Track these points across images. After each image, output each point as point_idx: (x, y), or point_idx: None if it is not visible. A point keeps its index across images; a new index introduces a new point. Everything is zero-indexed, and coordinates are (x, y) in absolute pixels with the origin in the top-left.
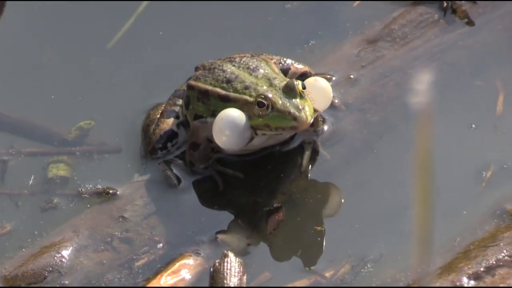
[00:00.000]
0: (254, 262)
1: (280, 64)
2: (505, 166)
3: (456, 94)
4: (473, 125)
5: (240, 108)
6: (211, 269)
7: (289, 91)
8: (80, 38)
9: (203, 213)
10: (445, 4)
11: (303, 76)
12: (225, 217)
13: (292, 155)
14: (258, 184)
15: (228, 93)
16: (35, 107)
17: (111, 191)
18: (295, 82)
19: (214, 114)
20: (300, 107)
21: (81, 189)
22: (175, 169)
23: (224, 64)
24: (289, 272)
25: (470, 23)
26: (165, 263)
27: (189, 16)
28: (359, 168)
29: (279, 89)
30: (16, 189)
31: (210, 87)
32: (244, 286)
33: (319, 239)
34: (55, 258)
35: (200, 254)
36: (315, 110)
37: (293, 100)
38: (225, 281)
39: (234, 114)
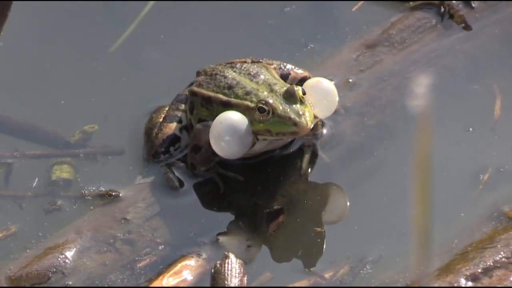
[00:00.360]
0: (254, 263)
1: (280, 70)
2: (501, 170)
3: (454, 98)
4: (471, 129)
5: (241, 113)
6: (212, 270)
7: (290, 97)
8: (82, 42)
9: (204, 215)
10: (442, 9)
11: (303, 81)
12: (226, 219)
13: (292, 158)
14: (258, 186)
15: (229, 99)
16: (39, 110)
17: (113, 193)
18: (295, 88)
19: None
20: (300, 112)
21: (84, 191)
22: (177, 172)
23: (225, 70)
24: (289, 273)
25: (467, 28)
26: (167, 264)
27: (190, 20)
28: (358, 171)
29: (280, 94)
30: (20, 191)
31: (212, 94)
32: (245, 286)
33: (318, 240)
34: (59, 259)
35: (201, 255)
36: (316, 117)
37: (294, 105)
38: (226, 282)
39: (234, 117)
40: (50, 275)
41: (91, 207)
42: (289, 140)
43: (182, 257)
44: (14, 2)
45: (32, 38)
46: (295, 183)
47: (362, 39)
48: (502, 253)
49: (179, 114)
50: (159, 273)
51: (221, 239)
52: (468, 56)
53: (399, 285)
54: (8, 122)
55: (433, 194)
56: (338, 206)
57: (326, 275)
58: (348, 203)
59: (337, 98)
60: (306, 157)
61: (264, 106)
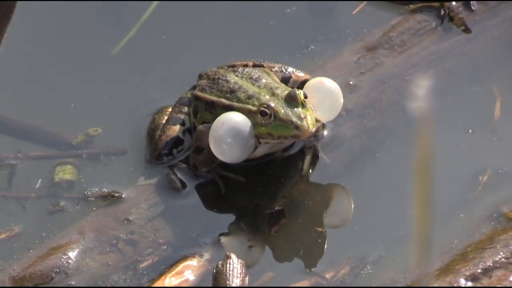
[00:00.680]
0: (256, 264)
1: (281, 73)
2: (500, 171)
3: (454, 100)
4: (470, 130)
5: None
6: (214, 270)
7: (291, 101)
8: (84, 45)
9: (206, 215)
10: (442, 12)
11: (304, 85)
12: (228, 219)
13: (293, 159)
14: (259, 187)
15: (232, 103)
16: (41, 113)
17: (116, 194)
18: (297, 92)
19: None
20: (302, 116)
21: (87, 192)
22: (179, 173)
23: (227, 75)
24: (290, 273)
25: (467, 30)
26: (169, 264)
27: (192, 22)
28: (358, 172)
29: (281, 98)
30: (23, 193)
31: (215, 98)
32: (246, 286)
33: (319, 241)
34: (62, 259)
35: (203, 255)
36: (318, 121)
37: (295, 109)
38: (227, 282)
39: (236, 118)
40: (53, 275)
41: (94, 208)
42: (289, 143)
43: (184, 257)
44: (17, 4)
45: (35, 40)
46: (296, 184)
47: (362, 42)
48: (501, 253)
49: (182, 116)
50: (161, 273)
51: (223, 239)
52: (468, 58)
53: (399, 285)
54: (11, 124)
55: (433, 195)
56: (340, 207)
57: (327, 275)
58: (352, 204)
59: (342, 100)
60: (307, 158)
61: (266, 110)
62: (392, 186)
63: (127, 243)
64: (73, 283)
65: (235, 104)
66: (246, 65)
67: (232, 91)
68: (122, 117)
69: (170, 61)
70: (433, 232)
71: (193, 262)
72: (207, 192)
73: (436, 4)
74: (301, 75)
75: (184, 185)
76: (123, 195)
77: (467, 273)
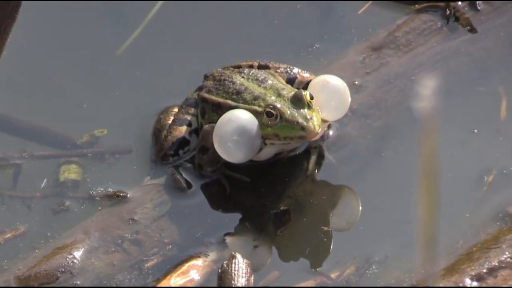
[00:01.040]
0: (261, 264)
1: (287, 73)
2: (505, 171)
3: (459, 100)
4: (476, 130)
5: None
6: (219, 270)
7: (297, 101)
8: (90, 44)
9: (211, 215)
10: (448, 12)
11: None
12: (233, 219)
13: (298, 159)
14: (265, 187)
15: (238, 104)
16: (46, 112)
17: (121, 194)
18: (303, 93)
19: None
20: (308, 117)
21: (92, 192)
22: (184, 173)
23: (233, 76)
24: (295, 273)
25: (473, 30)
26: (174, 264)
27: (197, 21)
28: (364, 172)
29: (288, 99)
30: (28, 192)
31: (221, 100)
32: (252, 286)
33: (325, 241)
34: (67, 259)
35: (208, 255)
36: (325, 121)
37: (301, 110)
38: (232, 282)
39: (243, 116)
40: (59, 275)
41: (99, 208)
42: (294, 146)
43: (190, 257)
44: (22, 4)
45: (40, 40)
46: (301, 184)
47: (368, 42)
48: (507, 253)
49: (188, 117)
50: (167, 273)
51: (228, 239)
52: (473, 58)
53: (404, 285)
54: (16, 124)
55: (439, 195)
56: (346, 207)
57: (332, 275)
58: (360, 206)
59: (349, 98)
60: (313, 158)
61: (272, 111)
62: (397, 186)
63: (132, 242)
64: (78, 282)
65: (241, 105)
66: (251, 66)
67: (238, 93)
68: (127, 117)
69: (175, 60)
70: (438, 232)
71: (198, 261)
72: (212, 192)
73: (441, 4)
74: (306, 75)
75: (189, 185)
76: (128, 195)
77: (473, 273)
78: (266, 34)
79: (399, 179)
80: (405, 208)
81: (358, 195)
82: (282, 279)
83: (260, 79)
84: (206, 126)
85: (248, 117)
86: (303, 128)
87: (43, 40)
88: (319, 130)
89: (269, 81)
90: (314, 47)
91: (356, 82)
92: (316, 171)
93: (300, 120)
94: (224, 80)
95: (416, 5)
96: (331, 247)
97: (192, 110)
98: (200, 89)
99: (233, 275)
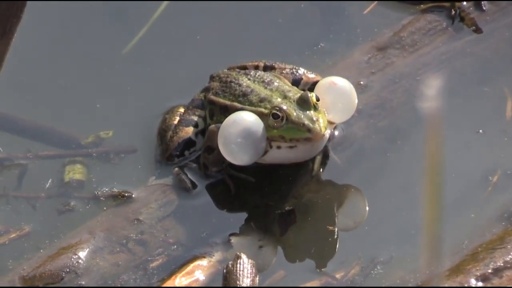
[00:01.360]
0: (266, 264)
1: (292, 74)
2: (509, 172)
3: (464, 100)
4: (481, 131)
5: None
6: (224, 270)
7: (303, 103)
8: (96, 44)
9: (216, 215)
10: (453, 12)
11: (315, 86)
12: (238, 219)
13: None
14: (270, 188)
15: (244, 106)
16: (50, 112)
17: (126, 194)
18: (309, 94)
19: None
20: (314, 118)
21: (97, 192)
22: (189, 173)
23: (240, 78)
24: (300, 273)
25: (478, 30)
26: (179, 264)
27: (202, 20)
28: (369, 172)
29: (294, 101)
30: (33, 192)
31: (228, 102)
32: (257, 286)
33: (329, 241)
34: (72, 259)
35: (213, 255)
36: (331, 123)
37: (307, 112)
38: (237, 282)
39: (249, 119)
40: (64, 275)
41: (104, 208)
42: (301, 160)
43: (194, 257)
44: (27, 3)
45: (45, 40)
46: (306, 184)
47: (373, 42)
48: None
49: (195, 118)
50: (172, 273)
51: (233, 239)
52: (479, 58)
53: (409, 285)
54: (21, 124)
55: (444, 195)
56: (352, 208)
57: (337, 276)
58: (367, 206)
59: (356, 100)
60: (318, 158)
61: (278, 113)
62: (402, 186)
63: (137, 243)
64: (83, 283)
65: (247, 107)
66: (257, 66)
67: (245, 95)
68: (132, 116)
69: (180, 60)
70: (443, 232)
71: (203, 262)
72: (217, 192)
73: (447, 4)
74: (312, 76)
75: (194, 185)
76: (133, 195)
77: (478, 273)
78: (270, 33)
79: (404, 179)
80: (410, 208)
81: (364, 195)
82: (287, 279)
83: (266, 81)
84: (212, 126)
85: (253, 119)
86: (309, 130)
87: (48, 39)
88: (325, 132)
89: (275, 83)
90: (319, 46)
91: (361, 82)
92: (321, 171)
93: (306, 122)
94: (231, 82)
95: (422, 5)
96: (336, 247)
97: (199, 111)
98: (206, 90)
99: (238, 275)
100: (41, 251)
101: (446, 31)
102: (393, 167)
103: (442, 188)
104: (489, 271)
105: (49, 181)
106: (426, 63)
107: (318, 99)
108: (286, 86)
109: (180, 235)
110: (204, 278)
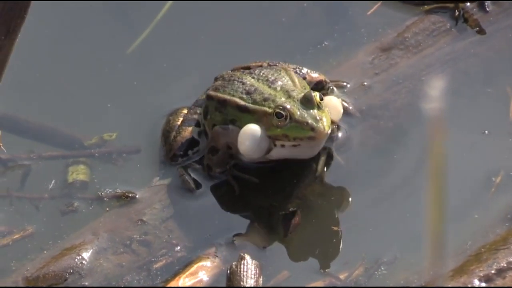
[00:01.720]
0: (270, 265)
1: (296, 73)
2: (511, 173)
3: (468, 101)
4: (486, 131)
5: (259, 119)
6: (228, 271)
7: (307, 102)
8: (99, 44)
9: (220, 216)
10: (457, 13)
11: (318, 85)
12: (242, 220)
13: (307, 160)
14: (273, 189)
15: (247, 104)
16: (54, 113)
17: (130, 195)
18: (313, 94)
19: (233, 123)
20: (318, 117)
21: (101, 193)
22: (193, 174)
23: (243, 77)
24: (304, 274)
25: (482, 31)
26: (183, 265)
27: (206, 21)
28: (372, 173)
29: (297, 100)
30: (37, 193)
31: (228, 97)
32: (261, 287)
33: (333, 241)
34: (76, 260)
35: (217, 256)
36: (333, 122)
37: (311, 111)
38: (241, 283)
39: (252, 127)
40: (67, 276)
41: (108, 209)
42: (306, 156)
43: (198, 258)
44: (31, 4)
45: (48, 40)
46: (310, 185)
47: (377, 42)
48: None
49: (197, 118)
50: (175, 274)
51: (237, 240)
52: (482, 59)
53: (413, 286)
54: (24, 125)
55: (447, 196)
56: (353, 208)
57: (341, 276)
58: (362, 205)
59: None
60: (322, 159)
61: (281, 112)
62: (406, 186)
63: (141, 243)
64: (86, 283)
65: (250, 105)
66: (260, 67)
67: (248, 93)
68: (136, 117)
69: (184, 60)
70: (447, 233)
71: (207, 262)
72: (222, 192)
73: (450, 5)
74: (315, 75)
75: (198, 186)
76: (137, 196)
77: (481, 274)
78: (274, 33)
79: (408, 180)
80: (413, 208)
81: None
82: (290, 280)
83: (270, 80)
84: (216, 127)
85: (255, 127)
86: (312, 129)
87: (51, 40)
88: (329, 131)
89: (280, 82)
90: (323, 45)
91: (365, 83)
92: (325, 171)
93: (310, 121)
94: (234, 80)
95: (425, 6)
96: (340, 248)
97: (200, 111)
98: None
99: (242, 276)
100: (45, 252)
101: (449, 32)
102: (397, 167)
103: (446, 189)
104: (493, 271)
105: (53, 182)
106: (430, 64)
107: (321, 98)
108: (291, 84)
109: (184, 235)
110: (207, 278)
